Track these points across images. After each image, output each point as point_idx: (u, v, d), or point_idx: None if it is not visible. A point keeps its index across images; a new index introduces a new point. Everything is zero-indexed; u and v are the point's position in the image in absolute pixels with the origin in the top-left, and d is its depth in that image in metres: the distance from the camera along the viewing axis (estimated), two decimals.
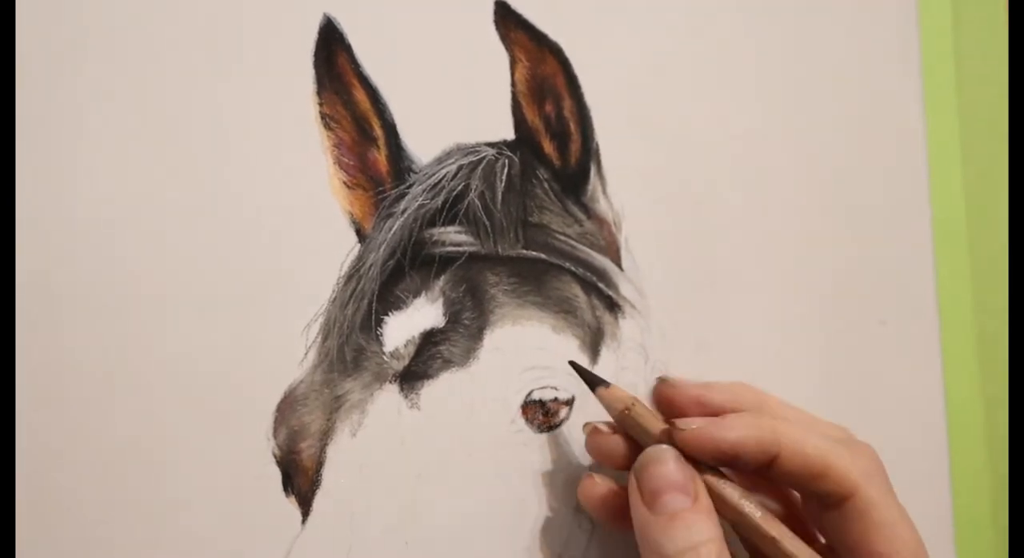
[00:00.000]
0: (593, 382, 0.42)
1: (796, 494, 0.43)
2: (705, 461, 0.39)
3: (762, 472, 0.40)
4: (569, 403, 0.44)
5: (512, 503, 0.44)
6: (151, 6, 0.40)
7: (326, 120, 0.42)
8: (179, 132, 0.40)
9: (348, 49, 0.43)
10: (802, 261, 0.55)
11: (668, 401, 0.44)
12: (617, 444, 0.41)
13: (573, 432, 0.44)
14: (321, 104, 0.42)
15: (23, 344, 0.37)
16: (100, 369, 0.38)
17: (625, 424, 0.41)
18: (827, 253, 0.56)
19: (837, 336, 0.56)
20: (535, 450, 0.44)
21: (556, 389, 0.44)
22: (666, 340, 0.48)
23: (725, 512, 0.39)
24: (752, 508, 0.39)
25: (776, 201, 0.54)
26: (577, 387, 0.44)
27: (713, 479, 0.39)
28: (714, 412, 0.41)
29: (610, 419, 0.42)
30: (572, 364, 0.43)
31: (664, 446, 0.40)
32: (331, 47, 0.42)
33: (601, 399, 0.42)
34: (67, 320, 0.38)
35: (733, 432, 0.39)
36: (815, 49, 0.56)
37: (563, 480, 0.44)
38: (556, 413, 0.44)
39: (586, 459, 0.44)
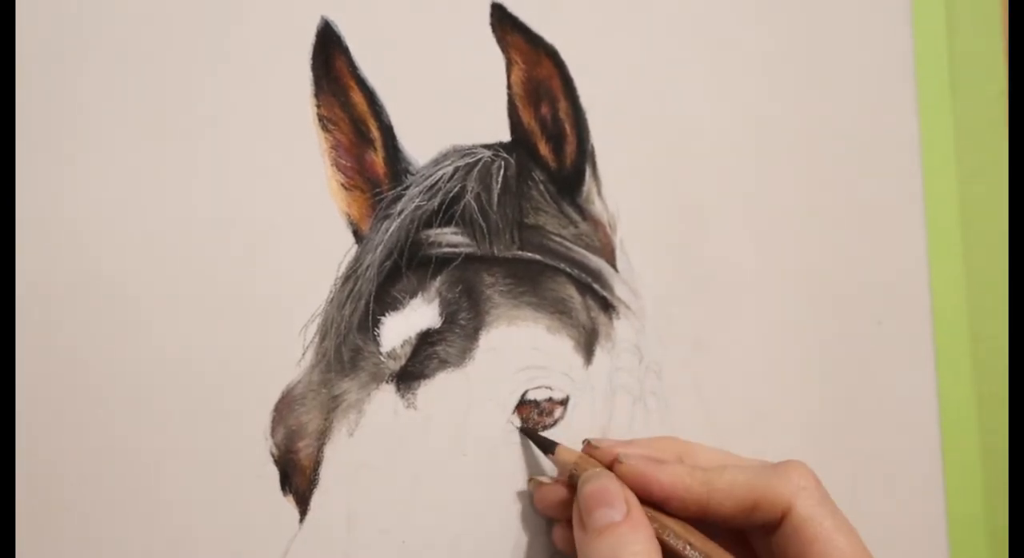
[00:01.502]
0: (544, 447, 0.43)
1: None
2: (641, 499, 0.39)
3: (702, 517, 0.40)
4: (564, 403, 0.44)
5: (508, 502, 0.44)
6: (150, 8, 0.40)
7: (324, 122, 0.42)
8: (177, 134, 0.40)
9: (346, 52, 0.43)
10: (797, 262, 0.55)
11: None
12: (561, 493, 0.42)
13: (568, 432, 0.44)
14: (319, 106, 0.42)
15: (23, 344, 0.37)
16: (98, 369, 0.38)
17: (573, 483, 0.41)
18: (822, 254, 0.56)
19: (832, 337, 0.56)
20: (530, 449, 0.44)
21: (551, 389, 0.44)
22: (661, 341, 0.49)
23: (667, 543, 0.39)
24: (691, 536, 0.39)
25: (771, 203, 0.54)
26: (571, 387, 0.44)
27: (653, 512, 0.40)
28: None
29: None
30: (521, 431, 0.43)
31: (599, 469, 0.40)
32: (329, 50, 0.42)
33: (554, 463, 0.43)
34: (66, 320, 0.38)
35: (666, 476, 0.39)
36: (810, 52, 0.57)
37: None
38: (551, 413, 0.44)
39: None
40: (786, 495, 0.39)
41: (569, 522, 0.41)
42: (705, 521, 0.40)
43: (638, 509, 0.39)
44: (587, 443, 0.42)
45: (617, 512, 0.38)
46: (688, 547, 0.39)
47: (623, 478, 0.40)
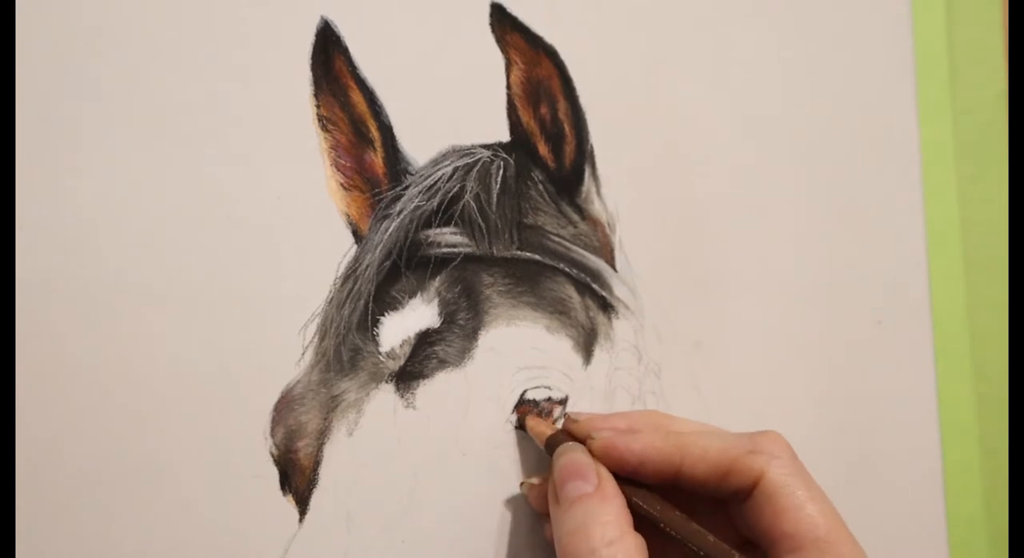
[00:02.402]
0: (519, 420, 0.43)
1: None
2: (615, 471, 0.40)
3: (673, 484, 0.40)
4: (563, 402, 0.45)
5: (507, 501, 0.44)
6: (150, 8, 0.40)
7: (323, 122, 0.42)
8: (177, 133, 0.40)
9: (345, 51, 0.43)
10: (797, 262, 0.55)
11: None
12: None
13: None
14: (318, 106, 0.42)
15: (23, 344, 0.37)
16: (98, 369, 0.38)
17: (549, 449, 0.42)
18: (822, 254, 0.56)
19: (832, 336, 0.56)
20: (529, 449, 0.44)
21: (550, 389, 0.44)
22: (660, 341, 0.49)
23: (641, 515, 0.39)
24: (663, 506, 0.39)
25: (771, 202, 0.54)
26: (570, 387, 0.44)
27: (627, 485, 0.40)
28: None
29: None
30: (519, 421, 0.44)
31: (570, 442, 0.41)
32: (328, 50, 0.42)
33: (530, 433, 0.43)
34: (66, 320, 0.38)
35: (639, 442, 0.39)
36: (810, 52, 0.57)
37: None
38: (550, 412, 0.44)
39: None
40: (759, 462, 0.39)
41: None
42: (679, 487, 0.40)
43: (609, 480, 0.39)
44: (567, 417, 0.42)
45: (588, 484, 0.38)
46: (661, 514, 0.39)
47: (595, 452, 0.40)
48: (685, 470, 0.39)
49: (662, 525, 0.38)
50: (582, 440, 0.41)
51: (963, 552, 0.59)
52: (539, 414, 0.44)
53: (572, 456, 0.40)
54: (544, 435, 0.42)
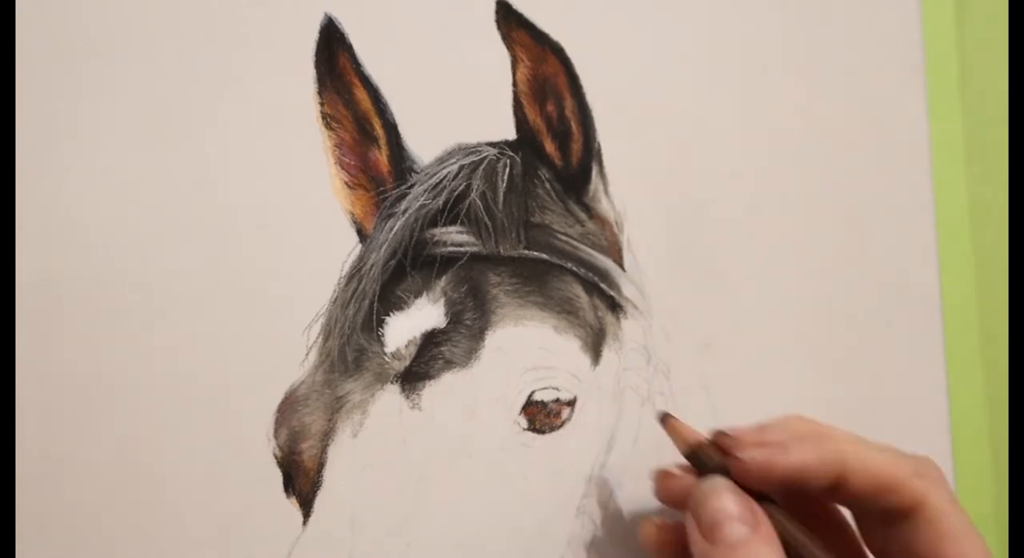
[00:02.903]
0: (663, 415, 0.42)
1: (846, 519, 0.43)
2: (771, 489, 0.39)
3: (828, 495, 0.39)
4: (571, 404, 0.44)
5: (513, 504, 0.44)
6: (152, 7, 0.40)
7: (327, 120, 0.42)
8: (180, 132, 0.40)
9: (349, 49, 0.43)
10: (806, 262, 0.54)
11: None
12: (689, 485, 0.40)
13: (575, 433, 0.44)
14: (322, 104, 0.42)
15: (23, 344, 0.37)
16: (101, 370, 0.38)
17: (691, 458, 0.41)
18: (831, 254, 0.56)
19: (842, 338, 0.56)
20: (537, 451, 0.44)
21: (558, 390, 0.44)
22: (669, 341, 0.48)
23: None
24: (807, 539, 0.39)
25: (780, 202, 0.54)
26: (579, 388, 0.44)
27: (772, 509, 0.39)
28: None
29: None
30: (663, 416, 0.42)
31: (719, 477, 0.39)
32: (332, 47, 0.42)
33: (669, 432, 0.41)
34: (67, 320, 0.38)
35: (796, 455, 0.39)
36: (818, 50, 0.56)
37: (565, 481, 0.44)
38: (558, 414, 0.44)
39: (588, 460, 0.44)
40: (922, 488, 0.38)
41: (663, 521, 0.41)
42: (832, 498, 0.40)
43: (767, 523, 0.38)
44: (718, 433, 0.41)
45: (748, 526, 0.37)
46: (808, 546, 0.38)
47: (744, 474, 0.39)
48: (848, 480, 0.39)
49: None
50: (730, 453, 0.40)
51: None
52: (547, 415, 0.43)
53: (728, 497, 0.38)
54: (689, 443, 0.41)
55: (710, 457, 0.40)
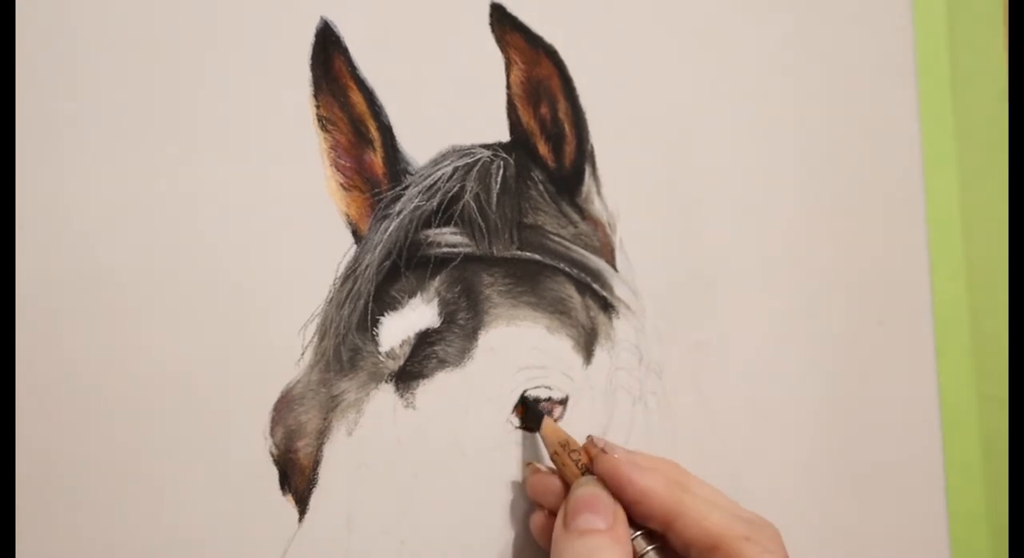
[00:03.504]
0: (536, 418, 0.43)
1: None
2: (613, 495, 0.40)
3: (667, 540, 0.40)
4: (563, 402, 0.44)
5: (507, 502, 0.44)
6: (150, 8, 0.40)
7: (323, 122, 0.42)
8: (177, 134, 0.40)
9: (345, 52, 0.43)
10: (798, 262, 0.55)
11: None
12: (554, 485, 0.42)
13: (567, 431, 0.44)
14: (318, 106, 0.42)
15: (23, 344, 0.37)
16: (98, 369, 0.38)
17: (556, 462, 0.42)
18: (823, 254, 0.56)
19: (833, 336, 0.56)
20: (529, 449, 0.44)
21: (550, 389, 0.44)
22: (661, 341, 0.49)
23: None
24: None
25: (771, 202, 0.54)
26: (571, 387, 0.44)
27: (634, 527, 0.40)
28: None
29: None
30: (523, 400, 0.43)
31: (592, 476, 0.41)
32: (328, 50, 0.42)
33: (541, 432, 0.43)
34: (66, 320, 0.38)
35: (644, 479, 0.40)
36: (810, 51, 0.57)
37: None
38: (550, 413, 0.44)
39: None
40: (750, 552, 0.39)
41: (551, 513, 0.41)
42: (667, 542, 0.40)
43: (623, 524, 0.39)
44: (590, 439, 0.42)
45: (602, 521, 0.38)
46: None
47: (602, 472, 0.40)
48: (676, 527, 0.39)
49: None
50: (592, 457, 0.41)
51: (964, 551, 0.59)
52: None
53: (594, 490, 0.40)
54: (556, 444, 0.42)
55: (576, 459, 0.41)
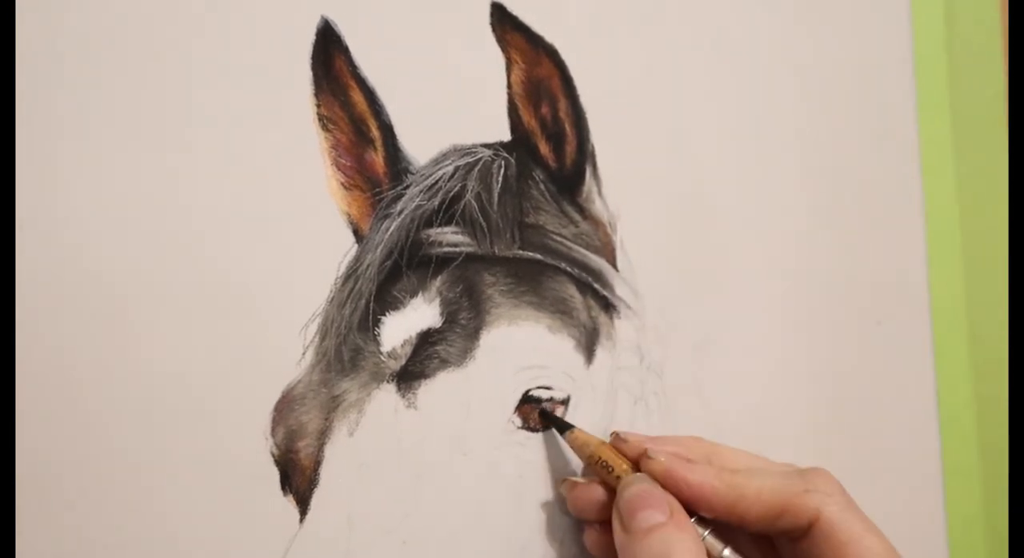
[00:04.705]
0: (560, 428, 0.43)
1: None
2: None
3: (724, 521, 0.40)
4: (565, 402, 0.44)
5: (509, 502, 0.44)
6: (150, 8, 0.40)
7: (324, 121, 0.42)
8: (178, 133, 0.40)
9: (346, 51, 0.43)
10: (797, 262, 0.55)
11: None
12: (597, 493, 0.42)
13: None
14: (319, 105, 0.42)
15: (23, 344, 0.37)
16: (99, 369, 0.38)
17: (593, 467, 0.42)
18: (822, 254, 0.56)
19: (832, 337, 0.56)
20: (531, 449, 0.44)
21: (552, 388, 0.44)
22: (662, 341, 0.49)
23: None
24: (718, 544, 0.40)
25: (771, 202, 0.54)
26: (572, 387, 0.44)
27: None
28: None
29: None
30: (542, 413, 0.43)
31: (638, 473, 0.41)
32: (329, 49, 0.42)
33: (570, 444, 0.43)
34: (66, 320, 0.38)
35: (696, 475, 0.40)
36: (809, 51, 0.57)
37: (559, 479, 0.44)
38: (552, 412, 0.44)
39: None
40: (814, 503, 0.39)
41: (603, 524, 0.41)
42: (728, 524, 0.40)
43: (681, 512, 0.39)
44: (615, 435, 0.42)
45: (661, 514, 0.38)
46: (728, 549, 0.39)
47: (652, 475, 0.40)
48: (739, 511, 0.40)
49: None
50: (632, 459, 0.41)
51: (962, 552, 0.59)
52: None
53: (643, 486, 0.39)
54: (589, 446, 0.42)
55: (613, 462, 0.41)
